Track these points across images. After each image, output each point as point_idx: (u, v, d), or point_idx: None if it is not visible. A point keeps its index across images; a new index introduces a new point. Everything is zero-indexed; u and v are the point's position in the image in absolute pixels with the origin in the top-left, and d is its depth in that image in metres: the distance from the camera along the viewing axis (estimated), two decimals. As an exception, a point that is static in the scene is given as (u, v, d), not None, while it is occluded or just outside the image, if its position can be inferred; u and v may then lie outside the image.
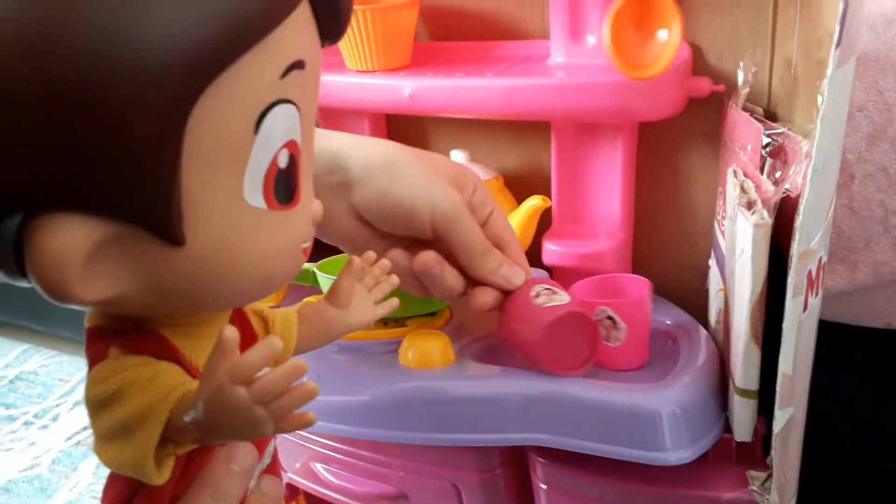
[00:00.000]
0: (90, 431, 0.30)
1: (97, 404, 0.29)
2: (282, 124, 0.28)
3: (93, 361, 0.30)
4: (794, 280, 0.43)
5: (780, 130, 0.48)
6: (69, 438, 1.30)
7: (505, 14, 0.67)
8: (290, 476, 0.68)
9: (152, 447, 0.28)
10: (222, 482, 0.32)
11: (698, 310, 0.61)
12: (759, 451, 0.51)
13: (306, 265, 0.58)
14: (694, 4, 0.58)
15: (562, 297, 0.51)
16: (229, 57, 0.26)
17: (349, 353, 0.60)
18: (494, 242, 0.51)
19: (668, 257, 0.66)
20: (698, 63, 0.59)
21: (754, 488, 0.49)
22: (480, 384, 0.54)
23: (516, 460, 0.58)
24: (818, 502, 0.58)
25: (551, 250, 0.64)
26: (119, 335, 0.30)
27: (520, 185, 0.68)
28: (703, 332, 0.58)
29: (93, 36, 0.23)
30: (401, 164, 0.48)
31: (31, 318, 1.59)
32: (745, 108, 0.55)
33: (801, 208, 0.42)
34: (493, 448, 0.57)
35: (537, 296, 0.51)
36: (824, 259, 0.47)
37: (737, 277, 0.48)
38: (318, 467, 0.66)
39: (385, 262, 0.43)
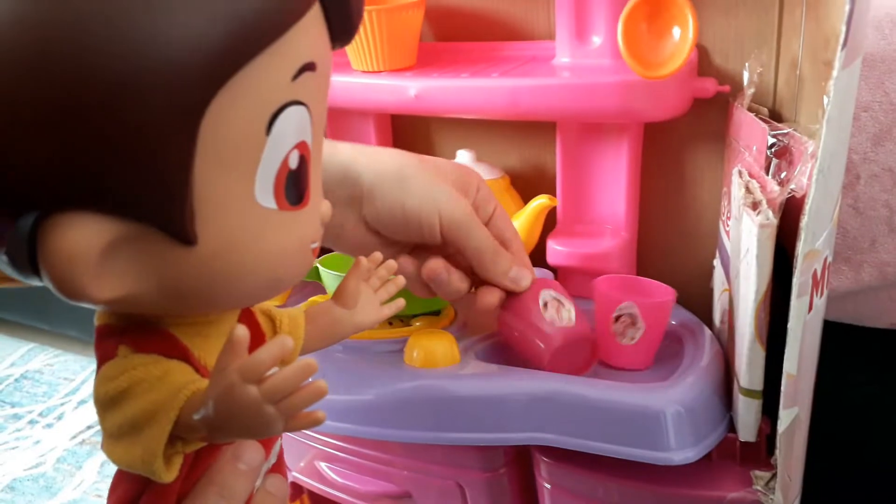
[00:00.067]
0: (95, 430, 0.30)
1: (106, 402, 0.29)
2: (293, 125, 0.29)
3: (102, 359, 0.30)
4: (799, 280, 0.43)
5: (785, 131, 0.48)
6: (74, 437, 1.30)
7: (510, 15, 0.67)
8: (294, 475, 0.68)
9: (161, 445, 0.28)
10: (229, 480, 0.32)
11: (703, 310, 0.61)
12: (763, 450, 0.51)
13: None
14: (699, 5, 0.58)
15: (569, 311, 0.52)
16: (243, 58, 0.26)
17: (354, 353, 0.60)
18: (497, 240, 0.51)
19: (673, 257, 0.66)
20: (704, 63, 0.60)
21: (758, 488, 0.49)
22: (485, 383, 0.54)
23: (521, 459, 0.58)
24: (822, 502, 0.58)
25: (556, 250, 0.64)
26: (129, 333, 0.30)
27: (525, 186, 0.68)
28: (708, 332, 0.58)
29: (108, 37, 0.24)
30: (410, 175, 0.49)
31: (37, 318, 1.59)
32: (750, 109, 0.55)
33: (807, 209, 0.42)
34: (498, 447, 0.57)
35: (545, 306, 0.52)
36: (829, 259, 0.47)
37: (742, 277, 0.48)
38: (323, 466, 0.66)
39: (391, 263, 0.43)
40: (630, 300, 0.55)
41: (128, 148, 0.24)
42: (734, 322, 0.51)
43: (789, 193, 0.45)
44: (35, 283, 0.27)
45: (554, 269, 0.66)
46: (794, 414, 0.47)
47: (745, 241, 0.47)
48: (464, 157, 0.67)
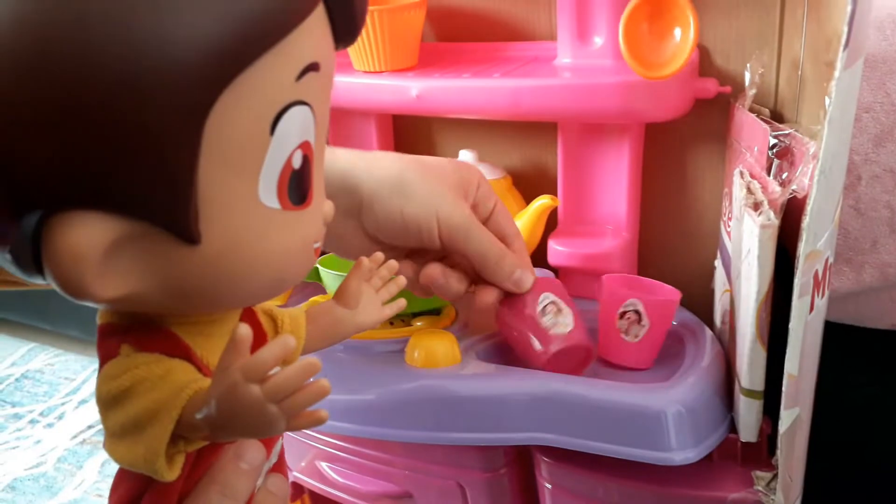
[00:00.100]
0: (96, 430, 0.30)
1: (109, 401, 0.29)
2: (297, 126, 0.29)
3: (104, 358, 0.30)
4: (800, 281, 0.43)
5: (786, 131, 0.48)
6: (75, 437, 1.31)
7: (512, 15, 0.67)
8: (295, 474, 0.68)
9: (164, 444, 0.28)
10: (231, 479, 0.32)
11: (704, 310, 0.61)
12: (764, 451, 0.51)
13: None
14: (701, 5, 0.58)
15: (566, 316, 0.52)
16: (248, 58, 0.26)
17: (355, 353, 0.60)
18: (498, 237, 0.51)
19: (674, 258, 0.66)
20: (705, 64, 0.60)
21: (759, 488, 0.49)
22: (486, 383, 0.54)
23: (521, 460, 0.58)
24: (823, 503, 0.58)
25: (557, 250, 0.64)
26: (131, 332, 0.30)
27: (526, 186, 0.68)
28: (709, 332, 0.58)
29: (113, 37, 0.24)
30: (408, 182, 0.49)
31: (37, 317, 1.59)
32: (751, 110, 0.55)
33: (808, 209, 0.42)
34: (499, 447, 0.57)
35: (543, 311, 0.52)
36: (831, 260, 0.47)
37: (743, 278, 0.48)
38: (324, 466, 0.66)
39: (392, 263, 0.43)
40: (637, 295, 0.55)
41: (132, 148, 0.24)
42: (735, 322, 0.51)
43: (791, 194, 0.45)
44: (39, 281, 0.27)
45: (555, 270, 0.66)
46: (795, 414, 0.47)
47: (746, 241, 0.47)
48: (466, 157, 0.67)
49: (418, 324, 0.62)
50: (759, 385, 0.48)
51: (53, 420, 1.36)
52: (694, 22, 0.51)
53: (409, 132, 0.74)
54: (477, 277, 0.52)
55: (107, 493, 0.33)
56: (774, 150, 0.48)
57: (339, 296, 0.41)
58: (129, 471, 0.31)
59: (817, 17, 0.51)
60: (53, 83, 0.24)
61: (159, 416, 0.28)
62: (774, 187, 0.47)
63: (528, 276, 0.52)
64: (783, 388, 0.45)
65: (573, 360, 0.54)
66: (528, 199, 0.65)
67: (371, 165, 0.49)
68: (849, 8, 0.38)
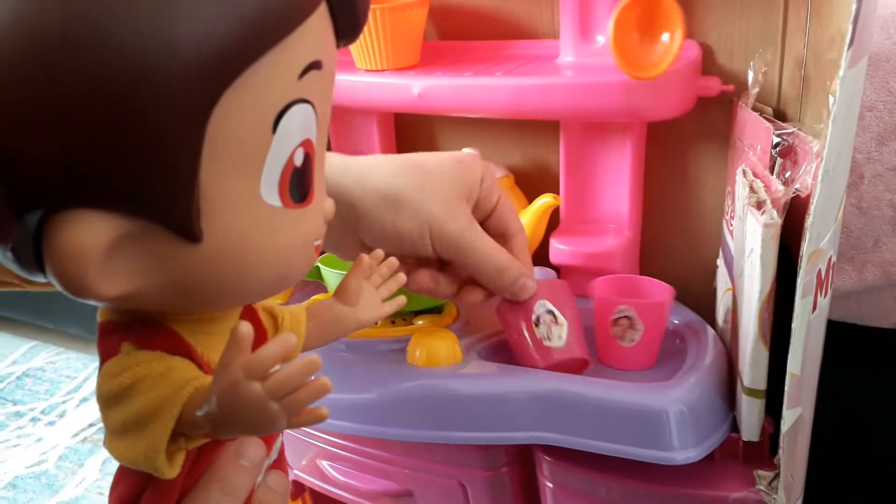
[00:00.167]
0: (97, 428, 0.30)
1: (109, 398, 0.29)
2: (299, 124, 0.29)
3: (105, 356, 0.30)
4: (803, 280, 0.43)
5: (790, 130, 0.48)
6: (76, 435, 1.31)
7: (514, 13, 0.67)
8: (296, 473, 0.68)
9: (164, 441, 0.28)
10: (231, 476, 0.32)
11: (706, 309, 0.61)
12: (766, 450, 0.50)
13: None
14: (704, 4, 0.58)
15: (561, 329, 0.53)
16: (251, 56, 0.26)
17: (357, 351, 0.60)
18: (500, 232, 0.51)
19: (676, 256, 0.66)
20: (708, 62, 0.59)
21: (761, 488, 0.49)
22: (487, 382, 0.54)
23: (523, 459, 0.58)
24: (825, 502, 0.58)
25: (559, 249, 0.64)
26: (132, 330, 0.30)
27: (528, 184, 0.68)
28: (711, 331, 0.58)
29: (115, 35, 0.24)
30: (400, 195, 0.48)
31: (39, 315, 1.59)
32: (754, 108, 0.55)
33: (812, 208, 0.42)
34: (500, 446, 0.57)
35: (538, 322, 0.52)
36: (834, 259, 0.47)
37: (746, 277, 0.48)
38: (325, 464, 0.66)
39: (393, 261, 0.43)
40: (627, 301, 0.55)
41: (134, 146, 0.24)
42: (738, 321, 0.51)
43: (794, 193, 0.45)
44: (40, 280, 0.27)
45: (557, 268, 0.66)
46: (797, 414, 0.47)
47: (749, 240, 0.47)
48: (468, 155, 0.67)
49: (420, 323, 0.62)
50: (762, 384, 0.48)
51: (55, 418, 1.36)
52: (682, 26, 0.51)
53: (411, 131, 0.74)
54: (471, 281, 0.52)
55: (108, 492, 0.33)
56: (777, 149, 0.48)
57: (339, 293, 0.41)
58: (129, 468, 0.31)
59: (820, 15, 0.51)
60: (55, 81, 0.24)
61: (160, 413, 0.28)
62: (777, 186, 0.46)
63: (528, 285, 0.52)
64: (785, 388, 0.45)
65: (569, 369, 0.54)
66: (530, 198, 0.65)
67: (363, 176, 0.49)
68: (854, 7, 0.38)
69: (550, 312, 0.53)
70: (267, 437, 0.35)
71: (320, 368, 0.26)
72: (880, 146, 0.60)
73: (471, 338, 0.60)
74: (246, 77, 0.26)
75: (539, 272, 0.62)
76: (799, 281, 0.43)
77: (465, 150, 0.67)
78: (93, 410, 1.34)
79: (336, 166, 0.49)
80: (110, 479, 0.33)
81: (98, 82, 0.24)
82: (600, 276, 0.59)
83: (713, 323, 0.60)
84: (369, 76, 0.66)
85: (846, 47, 0.39)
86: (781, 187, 0.46)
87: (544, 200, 0.63)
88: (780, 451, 0.47)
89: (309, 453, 0.67)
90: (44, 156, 0.24)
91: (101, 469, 1.21)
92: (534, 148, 0.69)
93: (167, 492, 0.31)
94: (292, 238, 0.30)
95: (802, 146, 0.47)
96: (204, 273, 0.28)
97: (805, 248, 0.42)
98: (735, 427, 0.51)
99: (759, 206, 0.46)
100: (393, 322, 0.62)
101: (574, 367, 0.54)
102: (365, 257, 0.42)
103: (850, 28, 0.39)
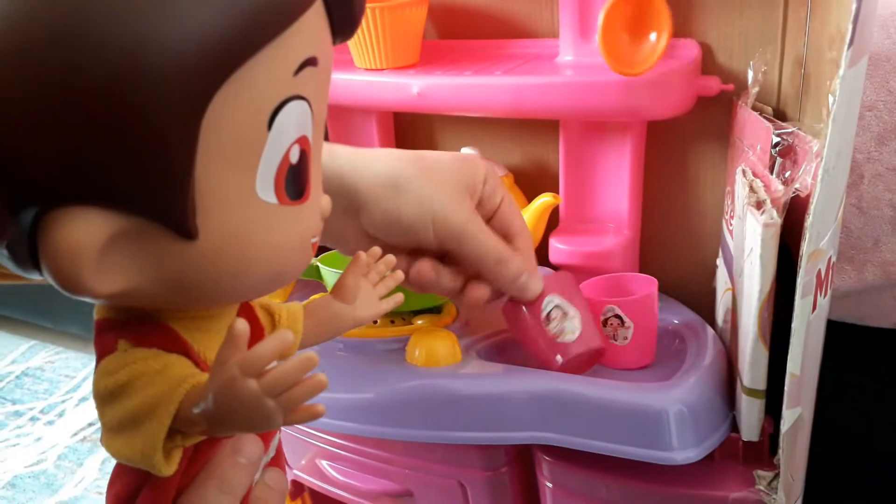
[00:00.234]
0: (96, 427, 0.30)
1: (106, 396, 0.29)
2: (294, 120, 0.29)
3: (102, 354, 0.30)
4: (803, 280, 0.43)
5: (789, 130, 0.48)
6: (75, 434, 1.31)
7: (514, 12, 0.67)
8: (295, 473, 0.68)
9: (161, 438, 0.28)
10: (228, 474, 0.32)
11: (705, 309, 0.61)
12: (766, 450, 0.50)
13: (310, 260, 0.59)
14: (704, 3, 0.58)
15: (573, 321, 0.52)
16: (247, 53, 0.26)
17: (356, 351, 0.60)
18: (503, 233, 0.51)
19: (676, 256, 0.66)
20: (708, 62, 0.59)
21: (761, 488, 0.49)
22: (487, 382, 0.54)
23: (522, 459, 0.58)
24: (825, 502, 0.58)
25: (558, 249, 0.64)
26: (128, 328, 0.30)
27: (528, 184, 0.68)
28: (711, 331, 0.58)
29: (111, 30, 0.23)
30: (406, 184, 0.48)
31: (38, 315, 1.59)
32: (754, 108, 0.55)
33: (812, 208, 0.42)
34: (500, 446, 0.57)
35: (548, 318, 0.51)
36: (834, 259, 0.47)
37: (745, 277, 0.48)
38: (324, 464, 0.66)
39: (390, 258, 0.43)
40: (612, 300, 0.54)
41: (129, 143, 0.24)
42: (737, 321, 0.51)
43: (794, 193, 0.45)
44: (35, 277, 0.27)
45: (556, 268, 0.66)
46: (797, 413, 0.47)
47: (748, 240, 0.47)
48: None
49: (419, 322, 0.62)
50: (761, 384, 0.48)
51: (54, 417, 1.36)
52: (668, 26, 0.52)
53: (411, 130, 0.74)
54: (477, 276, 0.52)
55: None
56: (777, 149, 0.48)
57: (336, 290, 0.41)
58: (126, 466, 0.31)
59: (820, 15, 0.51)
60: (50, 77, 0.23)
61: (157, 410, 0.28)
62: (777, 186, 0.46)
63: (533, 281, 0.51)
64: (785, 387, 0.45)
65: (586, 359, 0.53)
66: (529, 197, 0.65)
67: (369, 164, 0.49)
68: (854, 6, 0.38)
69: (559, 307, 0.52)
70: (264, 434, 0.35)
71: (317, 365, 0.26)
72: (880, 146, 0.60)
73: (470, 338, 0.60)
74: (241, 73, 0.26)
75: (539, 271, 0.62)
76: (799, 281, 0.43)
77: (465, 151, 0.67)
78: (92, 410, 1.34)
79: (338, 155, 0.49)
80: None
81: (92, 78, 0.23)
82: (590, 278, 0.59)
83: (713, 323, 0.60)
84: (368, 75, 0.66)
85: (846, 47, 0.39)
86: (781, 187, 0.46)
87: (544, 200, 0.63)
88: (780, 451, 0.47)
89: (308, 453, 0.67)
90: (39, 154, 0.24)
91: (100, 468, 1.21)
92: (533, 147, 0.69)
93: (164, 489, 0.31)
94: (288, 235, 0.30)
95: (802, 146, 0.47)
96: (199, 270, 0.28)
97: (805, 247, 0.42)
98: (735, 427, 0.51)
99: (759, 205, 0.46)
100: (392, 322, 0.61)
101: (591, 357, 0.54)
102: (362, 255, 0.41)
103: (850, 27, 0.39)
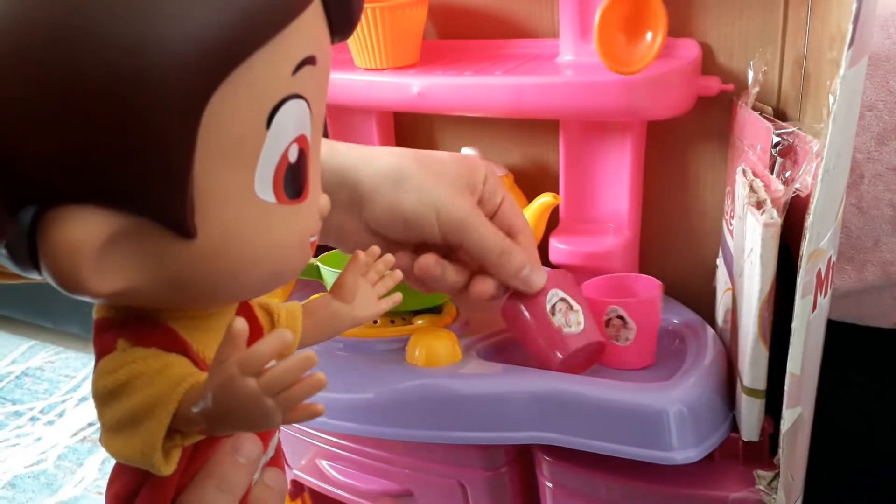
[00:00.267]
0: (96, 427, 0.30)
1: (105, 395, 0.29)
2: (293, 119, 0.29)
3: (101, 353, 0.30)
4: (803, 280, 0.43)
5: (790, 130, 0.48)
6: (75, 434, 1.30)
7: (514, 12, 0.67)
8: (295, 473, 0.68)
9: (160, 438, 0.28)
10: (228, 473, 0.32)
11: (705, 309, 0.61)
12: (766, 450, 0.50)
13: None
14: (704, 3, 0.58)
15: (577, 315, 0.52)
16: (245, 51, 0.26)
17: (356, 351, 0.60)
18: (505, 231, 0.51)
19: (676, 256, 0.66)
20: (708, 62, 0.59)
21: (761, 488, 0.49)
22: (487, 382, 0.54)
23: (522, 458, 0.58)
24: (825, 502, 0.58)
25: (558, 248, 0.64)
26: (127, 327, 0.30)
27: (528, 184, 0.68)
28: (711, 331, 0.58)
29: (110, 29, 0.23)
30: (408, 177, 0.48)
31: (38, 315, 1.59)
32: (754, 108, 0.55)
33: (812, 208, 0.42)
34: (500, 446, 0.57)
35: (553, 310, 0.51)
36: (834, 259, 0.47)
37: (745, 277, 0.48)
38: (324, 464, 0.66)
39: (389, 257, 0.43)
40: (616, 301, 0.54)
41: (128, 142, 0.24)
42: (737, 321, 0.51)
43: (794, 193, 0.45)
44: (34, 276, 0.27)
45: (556, 268, 0.66)
46: (797, 413, 0.47)
47: (749, 240, 0.47)
48: (469, 154, 0.67)
49: (419, 322, 0.61)
50: (761, 384, 0.48)
51: (54, 417, 1.36)
52: (664, 26, 0.52)
53: (411, 130, 0.74)
54: (481, 272, 0.51)
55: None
56: (777, 149, 0.48)
57: (335, 290, 0.41)
58: (125, 465, 0.31)
59: (821, 15, 0.51)
60: (49, 77, 0.23)
61: (156, 410, 0.28)
62: (777, 186, 0.46)
63: (537, 274, 0.51)
64: (785, 387, 0.45)
65: (587, 355, 0.53)
66: (529, 197, 0.65)
67: (372, 159, 0.49)
68: (854, 6, 0.38)
69: (564, 300, 0.52)
70: (263, 433, 0.34)
71: (315, 364, 0.26)
72: (880, 146, 0.60)
73: (470, 337, 0.60)
74: (240, 72, 0.26)
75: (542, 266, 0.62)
76: (799, 281, 0.43)
77: (465, 151, 0.67)
78: (92, 410, 1.34)
79: (338, 151, 0.49)
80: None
81: (91, 77, 0.23)
82: (592, 278, 0.59)
83: (713, 323, 0.60)
84: (368, 75, 0.66)
85: (846, 47, 0.39)
86: (781, 187, 0.46)
87: (544, 200, 0.62)
88: (780, 450, 0.47)
89: (308, 453, 0.67)
90: (39, 154, 0.24)
91: (100, 468, 1.21)
92: (533, 147, 0.69)
93: (163, 488, 0.31)
94: (287, 234, 0.30)
95: (802, 146, 0.47)
96: (198, 269, 0.28)
97: (805, 247, 0.42)
98: (735, 427, 0.51)
99: (759, 205, 0.46)
100: (392, 321, 0.61)
101: (591, 353, 0.53)
102: (361, 254, 0.41)
103: (850, 27, 0.38)
